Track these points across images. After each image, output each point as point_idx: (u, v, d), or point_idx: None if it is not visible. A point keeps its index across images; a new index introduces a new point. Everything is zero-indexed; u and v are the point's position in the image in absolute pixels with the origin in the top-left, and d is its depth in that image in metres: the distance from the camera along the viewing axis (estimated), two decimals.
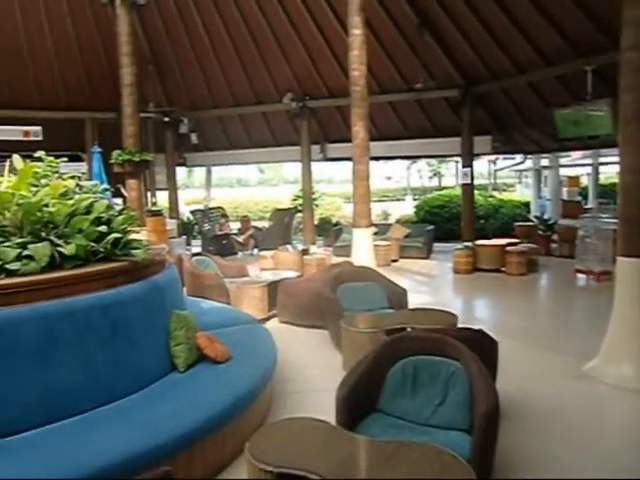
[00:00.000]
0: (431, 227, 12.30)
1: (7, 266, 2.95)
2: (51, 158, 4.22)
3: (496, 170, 24.56)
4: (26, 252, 3.04)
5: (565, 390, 4.43)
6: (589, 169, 17.26)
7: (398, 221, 14.77)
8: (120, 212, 3.94)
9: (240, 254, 12.45)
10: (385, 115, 12.95)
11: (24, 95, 12.69)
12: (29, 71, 12.64)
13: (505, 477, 3.07)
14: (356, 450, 2.65)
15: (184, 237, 12.86)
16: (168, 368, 3.61)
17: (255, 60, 13.06)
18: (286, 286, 6.69)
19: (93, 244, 3.35)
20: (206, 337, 3.85)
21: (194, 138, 14.35)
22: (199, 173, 27.75)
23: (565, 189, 16.68)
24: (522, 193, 22.29)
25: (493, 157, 20.82)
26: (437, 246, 12.23)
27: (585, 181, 18.36)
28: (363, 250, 8.24)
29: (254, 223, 14.05)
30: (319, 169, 17.81)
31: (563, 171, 16.97)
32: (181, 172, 15.68)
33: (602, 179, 18.33)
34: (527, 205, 16.49)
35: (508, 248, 9.49)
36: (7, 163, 3.82)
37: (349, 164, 8.72)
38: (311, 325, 6.23)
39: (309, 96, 13.04)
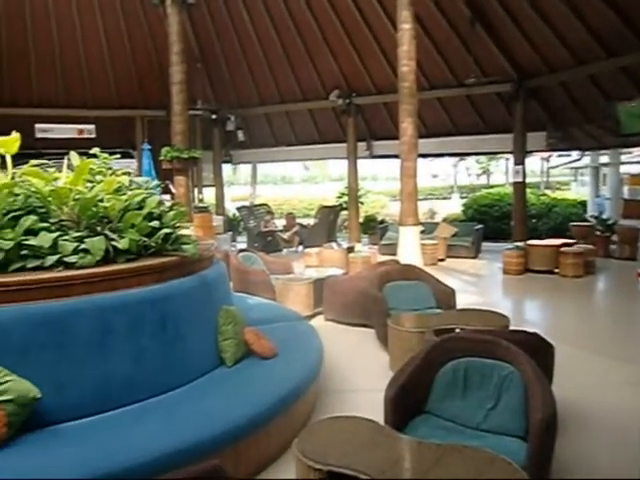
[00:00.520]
0: (480, 226, 11.99)
1: (65, 259, 3.04)
2: (105, 155, 4.33)
3: (549, 168, 23.70)
4: (82, 246, 3.12)
5: (625, 398, 4.20)
6: None
7: (445, 219, 14.49)
8: (171, 208, 4.00)
9: (285, 251, 12.50)
10: (433, 111, 12.70)
11: (79, 94, 13.23)
12: (84, 71, 13.14)
13: None
14: (405, 451, 2.59)
15: (230, 233, 13.06)
16: (216, 363, 3.64)
17: (302, 57, 13.10)
18: (332, 284, 6.66)
19: (145, 239, 3.41)
20: (253, 333, 3.87)
21: (241, 135, 14.54)
22: (244, 170, 28.17)
23: (626, 187, 15.84)
24: (577, 192, 21.38)
25: (546, 154, 20.11)
26: (485, 245, 11.92)
27: None
28: (410, 248, 8.12)
29: (299, 220, 14.10)
30: (364, 166, 17.71)
31: (624, 168, 16.14)
32: (226, 169, 15.91)
33: None
34: (583, 204, 15.77)
35: (563, 249, 9.12)
36: (65, 160, 3.93)
37: (394, 161, 8.61)
38: (357, 323, 6.18)
39: (356, 93, 12.96)
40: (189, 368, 3.41)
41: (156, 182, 5.83)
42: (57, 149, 9.77)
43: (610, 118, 10.03)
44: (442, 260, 10.75)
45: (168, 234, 3.53)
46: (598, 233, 11.17)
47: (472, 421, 3.04)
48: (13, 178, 3.58)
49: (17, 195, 3.35)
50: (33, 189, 3.39)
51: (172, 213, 3.81)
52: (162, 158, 9.42)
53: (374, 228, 13.56)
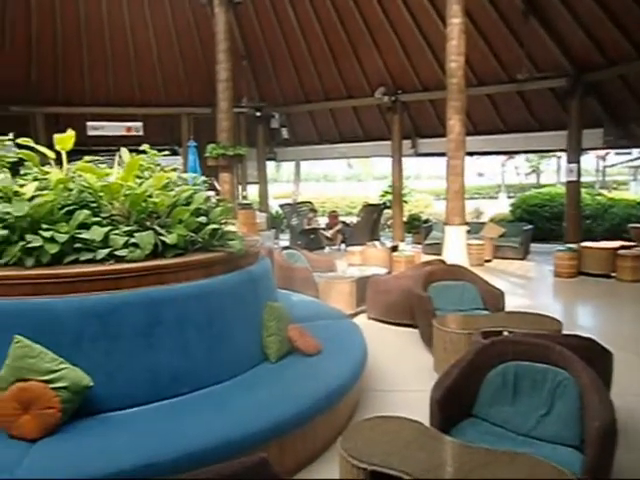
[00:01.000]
0: (529, 226, 11.61)
1: (116, 252, 3.11)
2: (154, 151, 4.41)
3: (606, 166, 22.69)
4: (132, 240, 3.19)
5: None
6: None
7: (492, 219, 14.13)
8: (217, 204, 4.04)
9: (327, 249, 12.50)
10: (482, 108, 12.38)
11: (127, 93, 13.61)
12: (132, 70, 13.51)
13: None
14: (451, 454, 2.52)
15: (273, 230, 13.14)
16: (260, 358, 3.65)
17: (347, 54, 13.03)
18: (375, 282, 6.60)
19: (192, 234, 3.46)
20: (297, 329, 3.86)
21: (285, 132, 14.60)
22: (287, 167, 28.33)
23: None
24: (637, 191, 20.37)
25: (602, 152, 19.24)
26: (535, 247, 11.54)
27: None
28: (456, 248, 7.93)
29: (341, 218, 14.06)
30: (407, 165, 17.46)
31: None
32: (269, 166, 16.05)
33: None
34: None
35: (620, 251, 8.71)
36: (116, 156, 4.04)
37: (438, 160, 8.43)
38: (400, 323, 6.10)
39: (401, 90, 12.78)
40: (234, 363, 3.44)
41: (203, 178, 5.92)
42: (107, 146, 10.08)
43: None
44: (489, 261, 10.48)
45: (215, 230, 3.57)
46: None
47: (523, 428, 2.93)
48: (67, 174, 3.70)
49: (71, 190, 3.46)
50: (86, 184, 3.49)
51: (219, 209, 3.85)
52: (207, 155, 9.56)
53: (418, 227, 13.39)
